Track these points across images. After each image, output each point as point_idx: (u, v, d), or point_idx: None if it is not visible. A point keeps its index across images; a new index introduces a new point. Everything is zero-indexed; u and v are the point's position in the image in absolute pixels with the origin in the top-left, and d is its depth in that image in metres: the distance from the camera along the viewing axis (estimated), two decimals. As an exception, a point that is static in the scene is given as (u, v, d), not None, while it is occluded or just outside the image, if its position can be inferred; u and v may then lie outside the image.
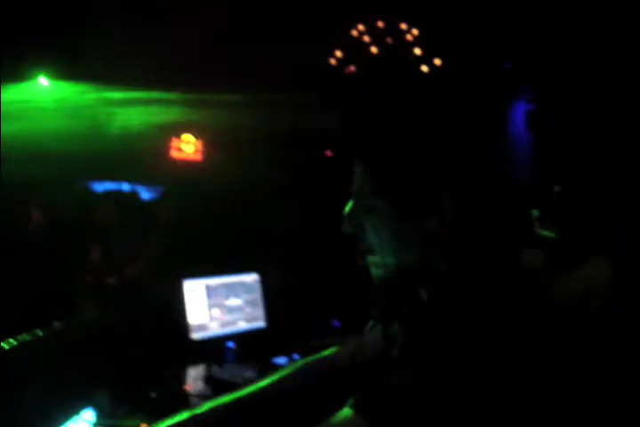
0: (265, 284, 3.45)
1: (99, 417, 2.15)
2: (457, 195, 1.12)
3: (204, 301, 3.21)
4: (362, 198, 1.20)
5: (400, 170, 1.15)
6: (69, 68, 8.10)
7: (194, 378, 2.79)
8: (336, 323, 3.54)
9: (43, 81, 8.15)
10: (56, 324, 2.64)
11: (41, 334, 2.39)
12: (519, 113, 6.98)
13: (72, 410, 2.04)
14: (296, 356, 2.99)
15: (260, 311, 3.44)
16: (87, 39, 7.98)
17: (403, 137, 1.17)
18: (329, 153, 9.00)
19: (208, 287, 3.24)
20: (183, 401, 2.52)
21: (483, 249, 1.15)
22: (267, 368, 2.94)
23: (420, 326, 1.10)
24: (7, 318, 2.78)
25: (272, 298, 3.46)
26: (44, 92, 8.44)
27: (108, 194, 5.95)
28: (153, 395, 2.49)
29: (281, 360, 3.02)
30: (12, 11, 6.45)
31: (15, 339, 2.24)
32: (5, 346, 2.19)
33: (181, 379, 2.81)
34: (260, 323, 3.44)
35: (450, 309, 1.09)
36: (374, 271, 1.21)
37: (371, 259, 1.20)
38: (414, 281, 1.13)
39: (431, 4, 8.28)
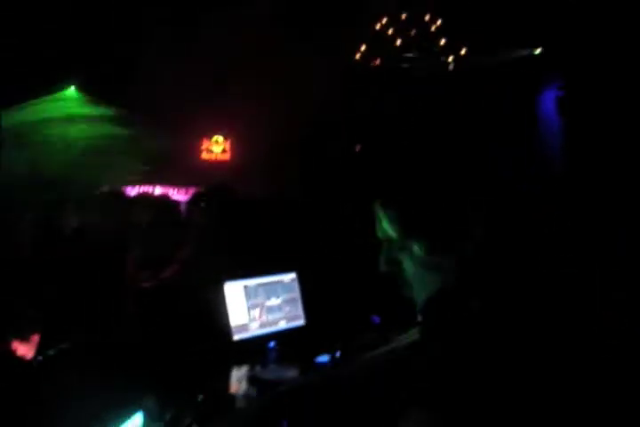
0: (303, 282, 3.46)
1: (148, 421, 2.18)
2: (487, 218, 1.15)
3: (244, 302, 3.23)
4: (394, 242, 1.23)
5: (430, 211, 1.17)
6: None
7: (238, 379, 2.81)
8: (375, 319, 3.54)
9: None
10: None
11: (90, 342, 2.43)
12: (549, 100, 6.90)
13: (123, 414, 2.07)
14: (338, 354, 2.99)
15: (299, 310, 3.45)
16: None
17: (424, 180, 1.20)
18: (358, 148, 9.00)
19: (247, 288, 3.26)
20: (229, 403, 2.54)
21: (514, 263, 1.19)
22: (309, 367, 2.96)
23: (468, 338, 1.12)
24: (58, 323, 2.83)
25: (311, 296, 3.47)
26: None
27: (139, 197, 6.01)
28: (199, 398, 2.52)
29: (323, 359, 3.03)
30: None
31: (64, 348, 2.28)
32: (56, 354, 2.23)
33: (226, 381, 2.84)
34: (301, 321, 3.45)
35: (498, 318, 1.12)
36: (418, 296, 1.24)
37: (408, 293, 1.24)
38: (462, 297, 1.16)
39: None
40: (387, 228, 1.23)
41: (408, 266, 1.22)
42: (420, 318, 1.26)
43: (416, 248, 1.19)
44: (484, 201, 1.19)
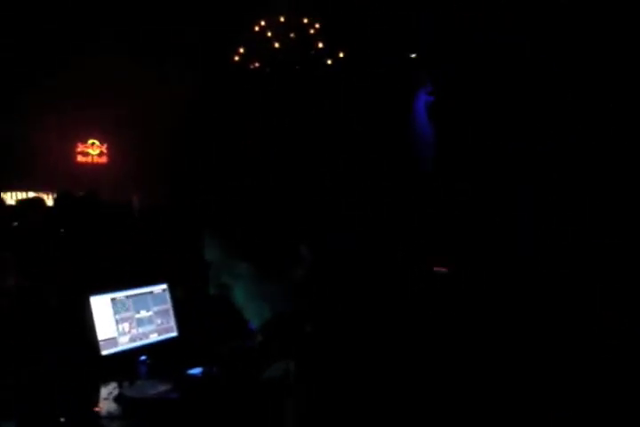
0: (174, 293, 3.39)
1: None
2: (314, 244, 1.17)
3: (111, 315, 3.12)
4: (223, 264, 1.22)
5: (258, 233, 1.17)
6: None
7: (104, 398, 2.70)
8: (252, 325, 3.50)
9: None
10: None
11: None
12: (421, 104, 7.11)
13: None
14: (214, 369, 2.94)
15: (171, 322, 3.38)
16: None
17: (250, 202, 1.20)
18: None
19: (115, 301, 3.15)
20: (94, 424, 2.44)
21: (344, 288, 1.22)
22: (182, 380, 2.89)
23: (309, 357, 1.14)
24: None
25: (184, 307, 3.40)
26: None
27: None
28: (62, 419, 2.41)
29: (196, 371, 2.97)
30: None
31: None
32: None
33: (94, 399, 2.72)
34: (173, 333, 3.37)
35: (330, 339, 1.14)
36: (253, 321, 1.24)
37: (246, 314, 1.24)
38: (296, 323, 1.17)
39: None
40: (213, 249, 1.23)
41: (239, 293, 1.22)
42: (258, 340, 1.26)
43: (246, 271, 1.19)
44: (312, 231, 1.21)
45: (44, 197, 9.80)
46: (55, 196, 3.99)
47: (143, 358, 3.08)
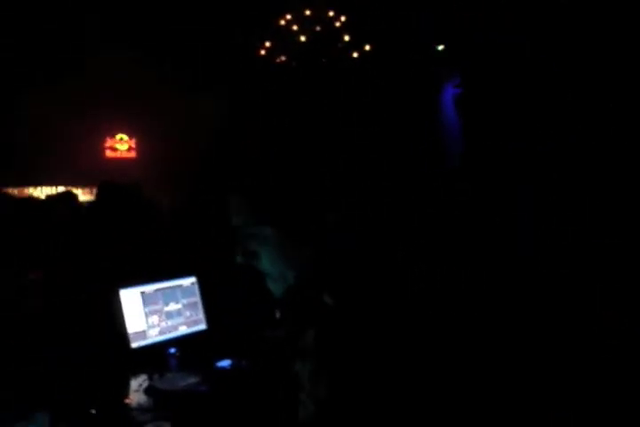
0: (203, 286, 3.40)
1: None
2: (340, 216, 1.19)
3: (141, 308, 3.14)
4: (250, 228, 1.23)
5: (286, 199, 1.17)
6: None
7: (135, 390, 2.72)
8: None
9: None
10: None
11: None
12: (448, 97, 7.06)
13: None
14: (244, 363, 2.95)
15: (200, 314, 3.40)
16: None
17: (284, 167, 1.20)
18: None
19: (144, 294, 3.18)
20: (124, 416, 2.47)
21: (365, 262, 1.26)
22: (211, 373, 2.90)
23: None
24: None
25: (212, 300, 3.41)
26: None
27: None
28: (93, 411, 2.43)
29: (225, 363, 2.98)
30: None
31: None
32: None
33: (124, 391, 2.75)
34: (202, 326, 3.39)
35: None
36: (275, 289, 1.26)
37: (270, 281, 1.26)
38: (316, 291, 1.20)
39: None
40: (241, 213, 1.24)
41: (265, 259, 1.24)
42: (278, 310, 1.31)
43: (273, 237, 1.20)
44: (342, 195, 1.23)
45: (75, 191, 9.92)
46: (98, 185, 4.02)
47: (172, 350, 3.10)
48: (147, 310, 3.16)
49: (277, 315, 1.27)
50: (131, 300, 3.12)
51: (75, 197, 4.23)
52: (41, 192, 9.60)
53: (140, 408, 2.51)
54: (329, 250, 1.24)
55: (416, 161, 6.67)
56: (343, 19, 8.78)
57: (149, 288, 3.21)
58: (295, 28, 8.83)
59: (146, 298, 3.17)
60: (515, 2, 5.73)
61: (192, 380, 2.79)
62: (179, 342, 3.22)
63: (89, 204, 4.40)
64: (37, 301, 3.13)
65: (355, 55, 8.82)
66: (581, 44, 5.02)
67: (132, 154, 10.59)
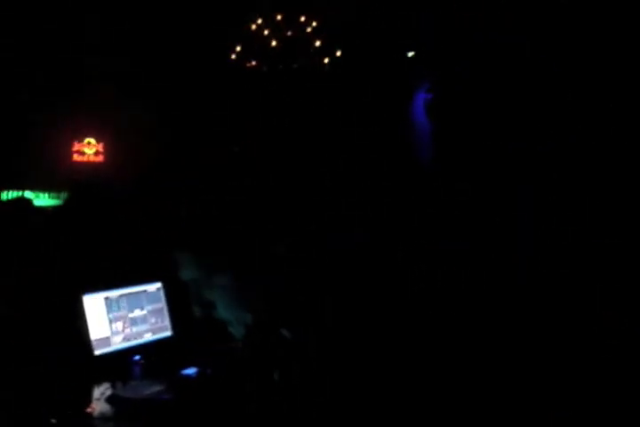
0: (169, 292, 3.34)
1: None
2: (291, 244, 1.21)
3: (105, 314, 3.07)
4: (202, 281, 1.25)
5: (234, 245, 1.19)
6: None
7: (96, 398, 2.65)
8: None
9: None
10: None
11: None
12: (419, 102, 7.08)
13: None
14: (209, 371, 2.91)
15: (166, 321, 3.33)
16: None
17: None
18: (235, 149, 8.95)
19: (108, 300, 3.11)
20: (86, 425, 2.40)
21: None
22: (176, 380, 2.85)
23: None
24: None
25: (178, 306, 3.35)
26: None
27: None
28: (53, 420, 2.37)
29: (190, 371, 2.93)
30: None
31: None
32: None
33: (86, 400, 2.68)
34: (167, 333, 3.33)
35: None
36: (236, 333, 1.27)
37: (230, 327, 1.27)
38: (274, 328, 1.21)
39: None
40: (191, 268, 1.24)
41: (221, 307, 1.24)
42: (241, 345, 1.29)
43: (223, 282, 1.21)
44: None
45: (41, 195, 9.78)
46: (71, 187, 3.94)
47: (137, 357, 3.04)
48: (110, 316, 3.09)
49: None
50: (94, 306, 3.05)
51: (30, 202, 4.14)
52: (7, 196, 9.44)
53: (103, 417, 2.45)
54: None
55: (390, 164, 6.67)
56: (314, 24, 8.78)
57: (114, 294, 3.14)
58: (266, 32, 8.81)
59: (110, 304, 3.11)
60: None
61: (156, 388, 2.74)
62: (143, 349, 3.16)
63: (55, 207, 4.32)
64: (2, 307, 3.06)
65: (325, 61, 8.82)
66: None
67: (100, 158, 10.47)
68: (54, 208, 4.30)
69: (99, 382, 2.83)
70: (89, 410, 2.54)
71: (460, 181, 5.14)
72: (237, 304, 1.18)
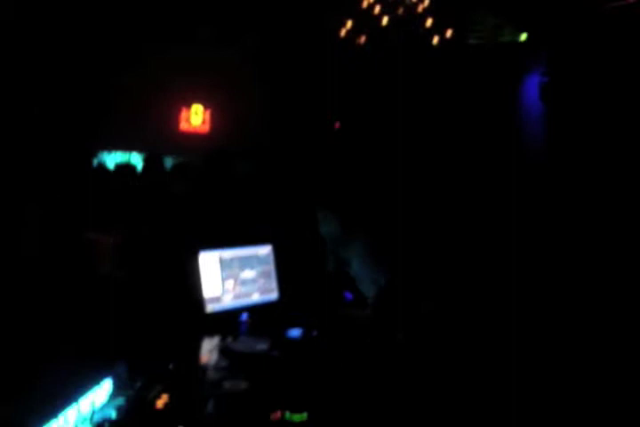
0: (279, 256, 3.44)
1: (117, 387, 2.16)
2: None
3: (218, 273, 3.20)
4: (341, 239, 1.29)
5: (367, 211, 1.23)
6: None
7: (209, 350, 2.79)
8: (348, 295, 3.54)
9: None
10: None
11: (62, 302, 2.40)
12: (533, 86, 6.90)
13: (92, 380, 2.04)
14: (315, 333, 2.99)
15: (273, 283, 3.44)
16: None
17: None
18: (337, 125, 8.97)
19: (222, 259, 3.23)
20: (200, 373, 2.53)
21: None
22: (280, 340, 2.95)
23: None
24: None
25: (286, 270, 3.45)
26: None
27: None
28: (170, 366, 2.50)
29: (294, 333, 3.02)
30: None
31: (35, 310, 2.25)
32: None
33: (197, 351, 2.82)
34: (274, 295, 3.44)
35: None
36: (366, 291, 1.31)
37: (363, 284, 1.31)
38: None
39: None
40: (330, 226, 1.29)
41: (357, 265, 1.28)
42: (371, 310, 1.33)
43: (361, 243, 1.25)
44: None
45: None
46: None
47: (244, 316, 3.16)
48: (223, 274, 3.22)
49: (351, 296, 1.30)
50: (209, 263, 3.18)
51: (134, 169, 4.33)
52: (113, 156, 9.72)
53: (216, 367, 2.57)
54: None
55: (491, 158, 6.55)
56: (427, 2, 8.66)
57: (227, 253, 3.26)
58: (377, 10, 8.75)
59: (223, 263, 3.23)
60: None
61: (262, 346, 2.84)
62: (250, 308, 3.28)
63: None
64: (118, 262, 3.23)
65: (435, 41, 8.71)
66: None
67: (205, 128, 10.65)
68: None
69: (210, 335, 2.97)
70: (202, 360, 2.68)
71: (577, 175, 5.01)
72: (374, 263, 1.23)
